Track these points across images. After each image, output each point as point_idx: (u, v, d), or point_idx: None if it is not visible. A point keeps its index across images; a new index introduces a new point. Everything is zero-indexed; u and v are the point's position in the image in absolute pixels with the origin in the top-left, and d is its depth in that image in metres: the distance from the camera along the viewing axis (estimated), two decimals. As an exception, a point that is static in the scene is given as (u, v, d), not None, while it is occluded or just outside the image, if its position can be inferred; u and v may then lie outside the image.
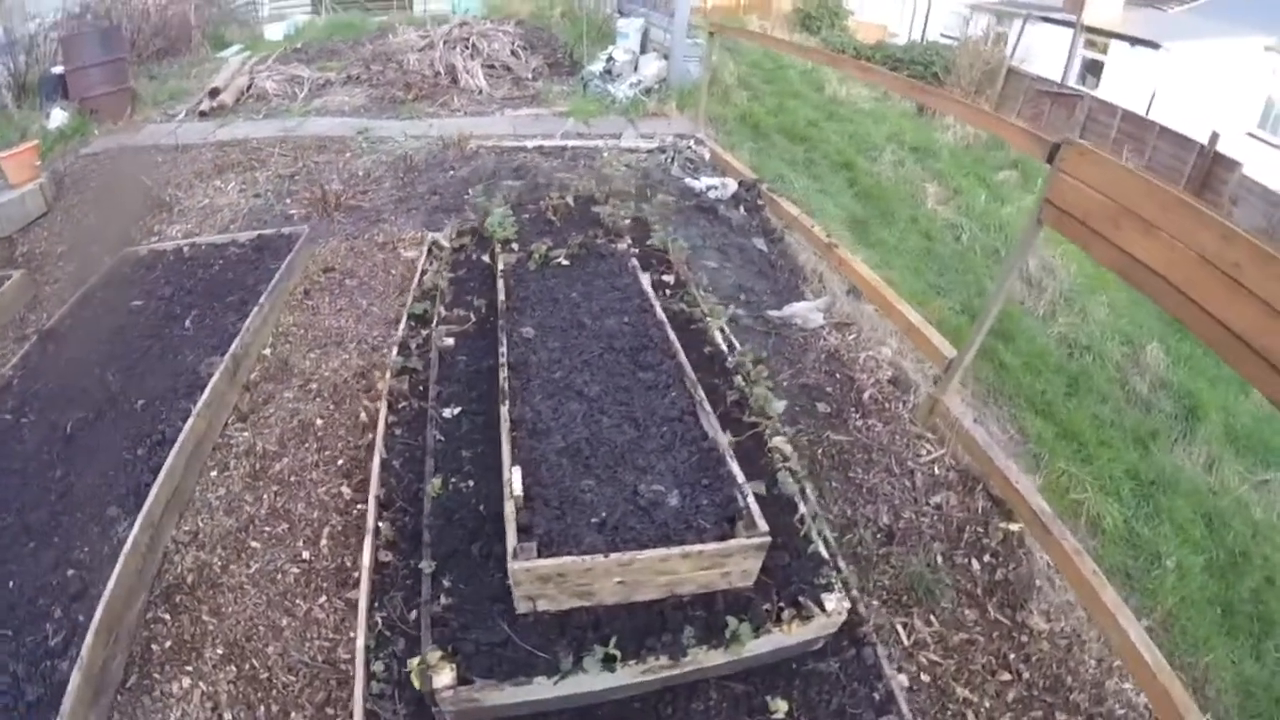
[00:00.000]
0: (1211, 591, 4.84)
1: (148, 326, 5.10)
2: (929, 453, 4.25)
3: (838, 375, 4.77)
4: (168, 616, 3.24)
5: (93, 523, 3.42)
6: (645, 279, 4.52)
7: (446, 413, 4.00)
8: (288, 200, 7.71)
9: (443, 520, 3.31)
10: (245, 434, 4.35)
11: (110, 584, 2.95)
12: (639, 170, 7.49)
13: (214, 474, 4.02)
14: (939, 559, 3.79)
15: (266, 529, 3.69)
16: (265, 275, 5.66)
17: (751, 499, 2.92)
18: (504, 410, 3.45)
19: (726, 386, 3.90)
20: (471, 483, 3.51)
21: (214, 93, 10.34)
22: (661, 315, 4.14)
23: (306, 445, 4.25)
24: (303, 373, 4.92)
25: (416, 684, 2.53)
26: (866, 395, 4.60)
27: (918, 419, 4.43)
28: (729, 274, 5.80)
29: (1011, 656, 3.48)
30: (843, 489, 4.07)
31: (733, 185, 6.93)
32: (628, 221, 5.42)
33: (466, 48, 10.52)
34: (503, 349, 3.93)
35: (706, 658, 2.67)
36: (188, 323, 5.17)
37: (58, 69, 10.36)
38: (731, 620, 2.72)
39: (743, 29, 9.44)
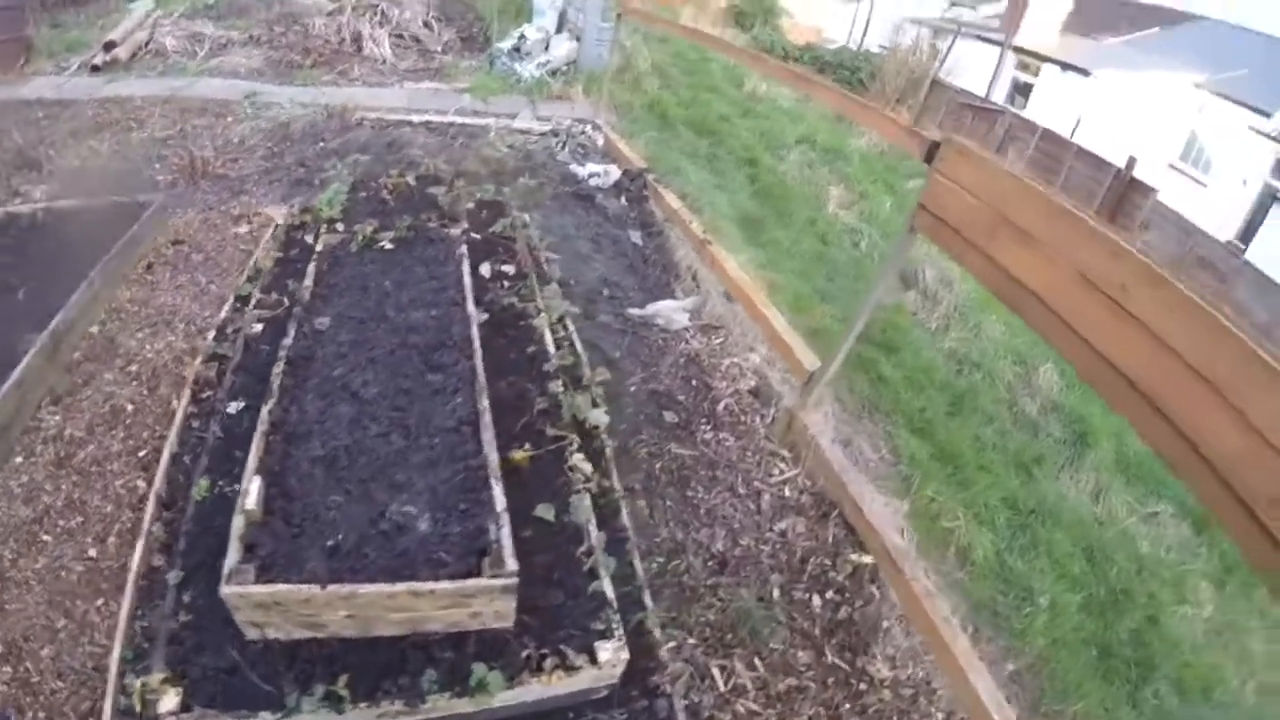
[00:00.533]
0: (1088, 631, 4.51)
1: None
2: (781, 473, 3.85)
3: (694, 382, 4.35)
4: (-45, 612, 3.01)
5: (-108, 509, 3.29)
6: (467, 269, 4.05)
7: (232, 407, 3.56)
8: (157, 165, 7.24)
9: (200, 527, 2.95)
10: (56, 418, 4.05)
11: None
12: (522, 152, 7.02)
13: (19, 460, 3.76)
14: (775, 592, 3.38)
15: (61, 522, 3.46)
16: (108, 246, 5.33)
17: (506, 532, 2.50)
18: (264, 410, 3.06)
19: (538, 393, 3.46)
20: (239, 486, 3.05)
21: (109, 46, 9.64)
22: (471, 310, 3.68)
23: (114, 433, 3.95)
24: (127, 353, 4.58)
25: (137, 707, 2.29)
26: (722, 406, 4.19)
27: (774, 435, 4.02)
28: (597, 266, 5.35)
29: (845, 707, 3.10)
30: (677, 509, 3.65)
31: (615, 173, 6.49)
32: (471, 206, 4.94)
33: (376, 15, 9.92)
34: (286, 340, 3.56)
35: (449, 706, 2.32)
36: (20, 294, 4.84)
37: (-51, 15, 9.67)
38: (479, 667, 2.31)
39: (650, 14, 8.99)
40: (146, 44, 10.03)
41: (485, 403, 3.07)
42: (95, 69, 9.41)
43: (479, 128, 7.54)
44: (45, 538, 3.39)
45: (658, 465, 3.82)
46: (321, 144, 7.23)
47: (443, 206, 4.50)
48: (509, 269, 4.32)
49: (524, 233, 4.63)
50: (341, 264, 4.17)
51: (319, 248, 4.26)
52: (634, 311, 4.84)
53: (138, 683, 2.34)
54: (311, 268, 4.08)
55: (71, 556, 3.30)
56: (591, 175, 6.45)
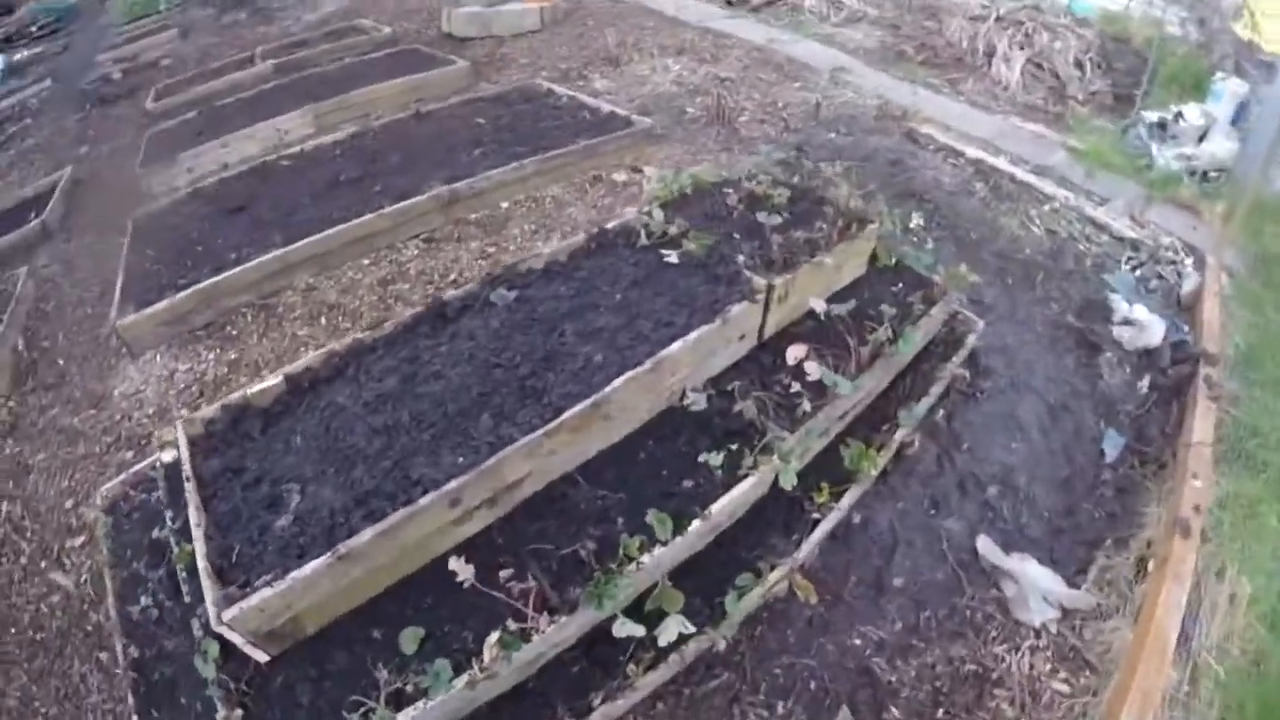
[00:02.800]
0: None
1: (459, 143, 5.72)
2: None
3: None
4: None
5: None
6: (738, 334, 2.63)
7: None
8: (698, 99, 7.04)
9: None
10: (410, 251, 4.81)
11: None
12: (1056, 244, 4.92)
13: (365, 261, 4.71)
14: None
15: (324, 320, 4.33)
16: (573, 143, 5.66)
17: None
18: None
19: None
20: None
21: (753, -13, 9.65)
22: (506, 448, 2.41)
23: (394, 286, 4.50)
24: (502, 235, 4.93)
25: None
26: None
27: None
28: (1017, 453, 3.35)
29: None
30: None
31: (1156, 335, 4.08)
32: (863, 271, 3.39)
33: (1020, 34, 8.14)
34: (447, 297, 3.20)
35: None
36: (477, 151, 5.59)
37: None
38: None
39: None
40: (789, -6, 9.72)
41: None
42: (729, 2, 9.61)
43: (1037, 194, 5.55)
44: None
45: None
46: (833, 135, 6.04)
47: (772, 243, 3.00)
48: (813, 375, 2.72)
49: (830, 375, 2.86)
50: (613, 256, 3.28)
51: (610, 225, 3.24)
52: (985, 549, 2.85)
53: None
54: (565, 245, 3.11)
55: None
56: (1125, 321, 4.20)
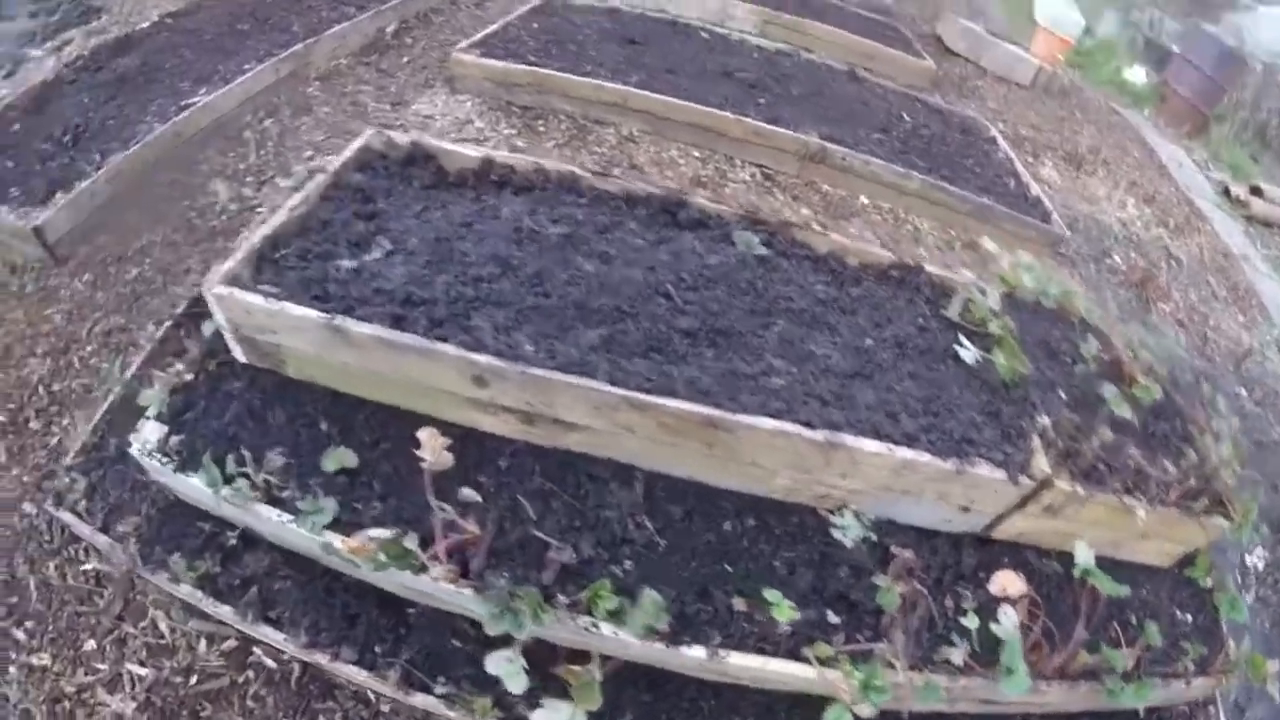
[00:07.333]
0: None
1: (866, 120, 5.25)
2: None
3: None
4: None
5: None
6: None
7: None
8: (1132, 254, 5.84)
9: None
10: (742, 175, 4.45)
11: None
12: None
13: (696, 153, 4.45)
14: None
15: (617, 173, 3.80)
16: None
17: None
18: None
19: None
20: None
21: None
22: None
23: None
24: (835, 225, 4.25)
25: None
26: None
27: None
28: None
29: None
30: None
31: None
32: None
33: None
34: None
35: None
36: (875, 135, 5.08)
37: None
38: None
39: None
40: None
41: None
42: (1228, 195, 7.97)
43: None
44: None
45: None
46: (1243, 391, 4.77)
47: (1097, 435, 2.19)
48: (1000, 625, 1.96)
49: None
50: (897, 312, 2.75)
51: (931, 269, 3.04)
52: None
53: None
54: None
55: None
56: None
